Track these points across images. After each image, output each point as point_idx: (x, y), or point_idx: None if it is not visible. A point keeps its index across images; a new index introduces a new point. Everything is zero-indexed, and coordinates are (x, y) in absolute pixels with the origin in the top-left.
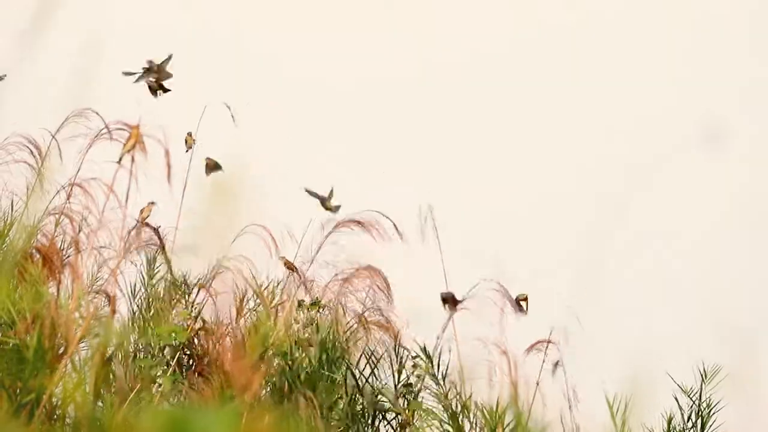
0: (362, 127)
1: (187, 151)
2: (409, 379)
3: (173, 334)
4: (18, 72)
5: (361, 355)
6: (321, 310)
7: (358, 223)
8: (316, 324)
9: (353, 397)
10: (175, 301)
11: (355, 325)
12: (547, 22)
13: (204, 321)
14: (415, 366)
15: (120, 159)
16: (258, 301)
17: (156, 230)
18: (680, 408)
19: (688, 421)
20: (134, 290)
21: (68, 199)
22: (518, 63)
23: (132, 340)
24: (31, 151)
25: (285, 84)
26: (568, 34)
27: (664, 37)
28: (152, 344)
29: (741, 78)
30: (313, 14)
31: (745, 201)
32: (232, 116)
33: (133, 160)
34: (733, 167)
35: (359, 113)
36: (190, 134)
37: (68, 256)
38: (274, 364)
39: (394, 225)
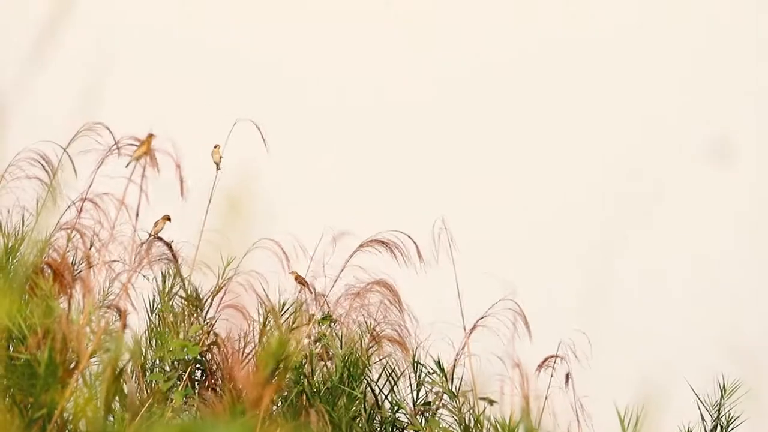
0: (377, 145)
1: (218, 168)
2: (427, 396)
3: (185, 349)
4: (29, 88)
5: (382, 372)
6: (333, 324)
7: (382, 243)
8: (338, 338)
9: (371, 413)
10: (188, 315)
11: (370, 340)
12: (556, 38)
13: (216, 336)
14: (433, 383)
15: (128, 164)
16: (270, 316)
17: (169, 245)
18: (702, 419)
19: None
20: (148, 304)
21: (80, 213)
22: (530, 80)
23: (144, 355)
24: (43, 166)
25: (302, 103)
26: (578, 48)
27: (673, 48)
28: (164, 359)
29: (749, 87)
30: (326, 34)
31: (760, 213)
32: (262, 135)
33: (144, 174)
34: (747, 179)
35: (375, 132)
36: (217, 147)
37: (79, 271)
38: (287, 379)
39: (417, 247)
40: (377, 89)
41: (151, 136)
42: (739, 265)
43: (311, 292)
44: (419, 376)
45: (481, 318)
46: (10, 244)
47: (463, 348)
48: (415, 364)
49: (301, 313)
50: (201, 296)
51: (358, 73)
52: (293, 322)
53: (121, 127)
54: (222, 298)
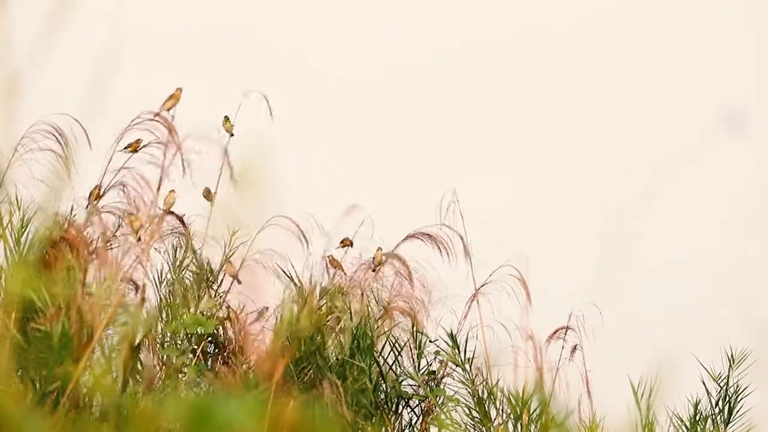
0: (386, 115)
1: (231, 135)
2: (431, 365)
3: (199, 324)
4: (43, 59)
5: (385, 342)
6: (345, 296)
7: (428, 236)
8: (349, 311)
9: (377, 384)
10: (201, 289)
11: (381, 312)
12: (569, 4)
13: (230, 309)
14: (437, 352)
15: (158, 113)
16: (285, 289)
17: (180, 218)
18: (708, 392)
19: (715, 405)
20: (160, 278)
21: (97, 188)
22: (544, 49)
23: (158, 328)
24: (57, 138)
25: (307, 76)
26: (590, 17)
27: (683, 24)
28: (177, 332)
29: (760, 63)
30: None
31: None
32: (269, 108)
33: (167, 147)
34: (760, 153)
35: (384, 102)
36: (227, 118)
37: (96, 245)
38: (300, 351)
39: (464, 243)
40: (386, 57)
41: (179, 90)
42: (757, 237)
43: (345, 275)
44: (420, 347)
45: (483, 285)
46: (25, 218)
47: (465, 316)
48: (417, 334)
49: (315, 287)
50: (213, 269)
51: (366, 41)
52: (307, 295)
53: (138, 102)
54: (237, 271)
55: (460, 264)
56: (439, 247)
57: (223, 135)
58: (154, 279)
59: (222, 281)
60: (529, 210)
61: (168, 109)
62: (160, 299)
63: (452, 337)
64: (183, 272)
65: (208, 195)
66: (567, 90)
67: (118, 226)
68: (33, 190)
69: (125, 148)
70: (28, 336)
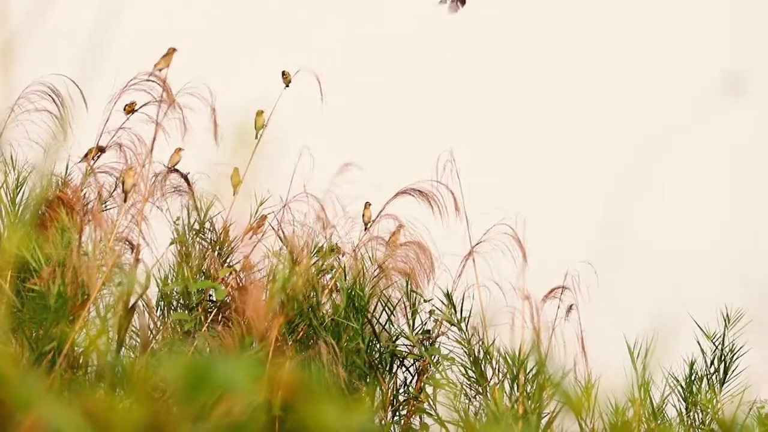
0: (383, 76)
1: (257, 134)
2: (425, 324)
3: (212, 291)
4: (39, 19)
5: (377, 302)
6: (340, 255)
7: (420, 192)
8: (343, 270)
9: (371, 343)
10: (207, 249)
11: (378, 272)
12: None
13: (237, 274)
14: (432, 312)
15: (151, 73)
16: (281, 247)
17: (185, 176)
18: (703, 352)
19: (711, 365)
20: (163, 237)
21: (94, 148)
22: (544, 11)
23: (157, 289)
24: (53, 99)
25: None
26: None
27: None
28: (182, 294)
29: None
30: None
31: None
32: (288, 78)
33: (161, 106)
34: (758, 120)
35: (380, 63)
36: (260, 113)
37: (92, 205)
38: (294, 311)
39: (455, 199)
40: (382, 18)
41: (172, 50)
42: (757, 201)
43: (324, 224)
44: (414, 305)
45: (478, 243)
46: (20, 178)
47: (460, 275)
48: (409, 293)
49: (311, 245)
50: (216, 229)
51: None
52: (302, 253)
53: (135, 63)
54: (248, 235)
55: (453, 222)
56: (431, 204)
57: (216, 96)
58: (155, 239)
59: (225, 243)
60: (529, 171)
61: (161, 69)
62: (160, 260)
63: (448, 296)
64: (190, 232)
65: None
66: (571, 50)
67: (115, 186)
68: (29, 150)
69: (123, 109)
70: (23, 296)
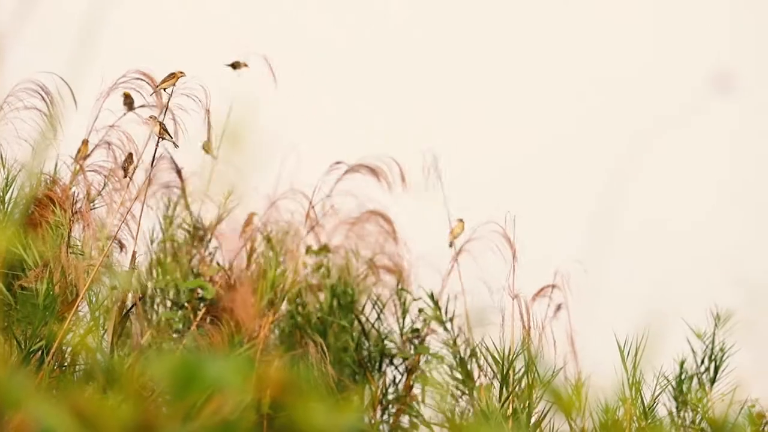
0: (368, 73)
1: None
2: (414, 324)
3: (200, 289)
4: (29, 17)
5: (366, 301)
6: (329, 254)
7: (369, 168)
8: (327, 269)
9: (359, 342)
10: (193, 247)
11: (365, 270)
12: None
13: (225, 272)
14: (421, 311)
15: (153, 93)
16: (268, 246)
17: (179, 171)
18: (693, 351)
19: (701, 365)
20: (149, 235)
21: (83, 146)
22: (528, 8)
23: (148, 288)
24: (42, 97)
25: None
26: None
27: None
28: (168, 291)
29: (749, 24)
30: None
31: (761, 147)
32: (272, 71)
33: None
34: (747, 114)
35: (366, 57)
36: (180, 72)
37: (80, 203)
38: (283, 310)
39: (401, 172)
40: (368, 12)
41: (180, 73)
42: (748, 198)
43: (310, 222)
44: (404, 304)
45: (467, 242)
46: (9, 177)
47: (449, 273)
48: (399, 291)
49: (299, 244)
50: (205, 226)
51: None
52: (290, 252)
53: (124, 61)
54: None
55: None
56: (379, 180)
57: (211, 94)
58: (142, 236)
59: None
60: (517, 167)
61: (165, 88)
62: (151, 258)
63: (432, 297)
64: (175, 229)
65: (207, 147)
66: (559, 44)
67: (104, 184)
68: (18, 149)
69: (123, 102)
70: (13, 294)
